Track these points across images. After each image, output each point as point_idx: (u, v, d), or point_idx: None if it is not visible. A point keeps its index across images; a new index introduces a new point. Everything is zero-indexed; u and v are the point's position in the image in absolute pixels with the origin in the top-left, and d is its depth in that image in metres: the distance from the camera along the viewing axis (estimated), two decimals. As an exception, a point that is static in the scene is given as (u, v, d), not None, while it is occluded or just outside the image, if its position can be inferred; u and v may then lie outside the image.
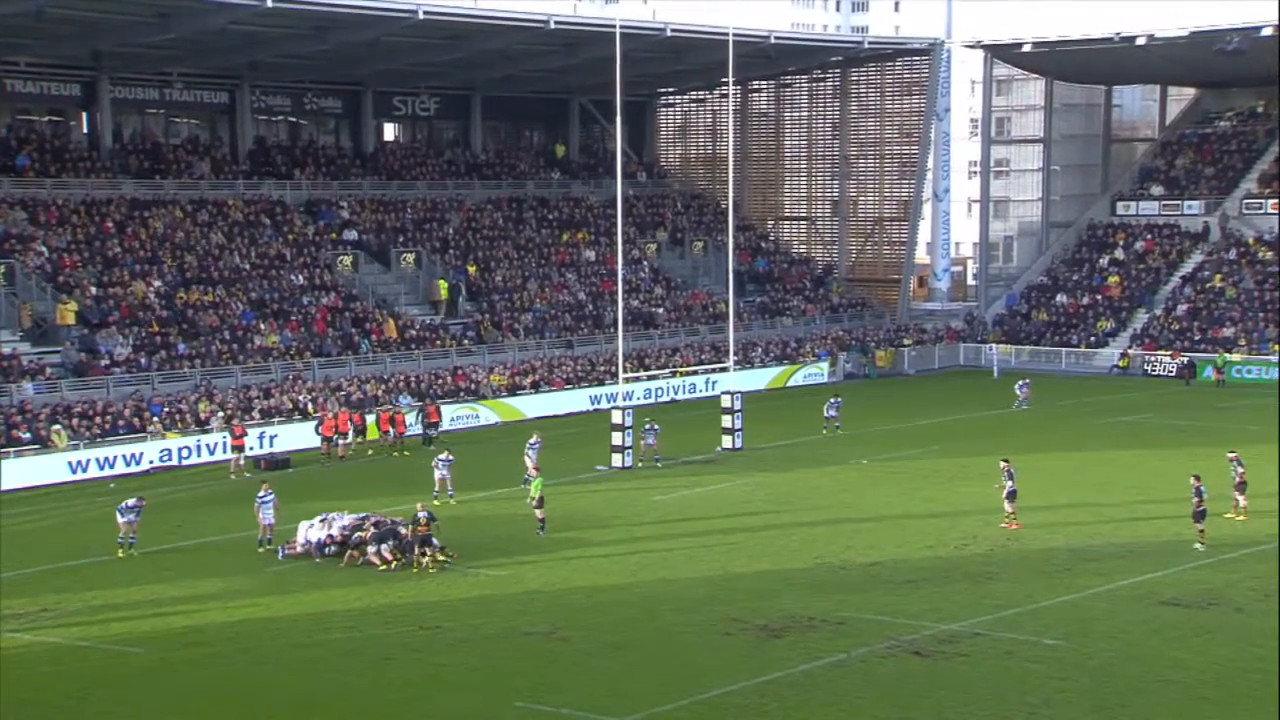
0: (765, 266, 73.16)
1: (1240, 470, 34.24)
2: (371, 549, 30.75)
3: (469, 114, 71.44)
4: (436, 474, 37.24)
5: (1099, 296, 70.81)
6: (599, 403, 53.92)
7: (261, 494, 32.91)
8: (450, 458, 37.50)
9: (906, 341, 68.61)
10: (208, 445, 44.48)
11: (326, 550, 31.45)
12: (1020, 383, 55.79)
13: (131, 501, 32.79)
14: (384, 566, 30.39)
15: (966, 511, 35.46)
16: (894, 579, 29.37)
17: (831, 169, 77.44)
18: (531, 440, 39.88)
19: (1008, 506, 33.76)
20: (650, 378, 56.36)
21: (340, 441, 44.83)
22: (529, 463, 38.82)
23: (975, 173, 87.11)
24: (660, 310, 63.59)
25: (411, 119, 71.63)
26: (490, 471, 39.63)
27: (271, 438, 45.42)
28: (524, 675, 23.65)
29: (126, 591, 29.17)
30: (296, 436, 46.03)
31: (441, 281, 59.59)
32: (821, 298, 71.99)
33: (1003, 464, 34.39)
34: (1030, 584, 28.73)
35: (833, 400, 49.76)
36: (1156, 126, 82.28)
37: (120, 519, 32.39)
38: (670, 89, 79.55)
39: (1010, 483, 33.77)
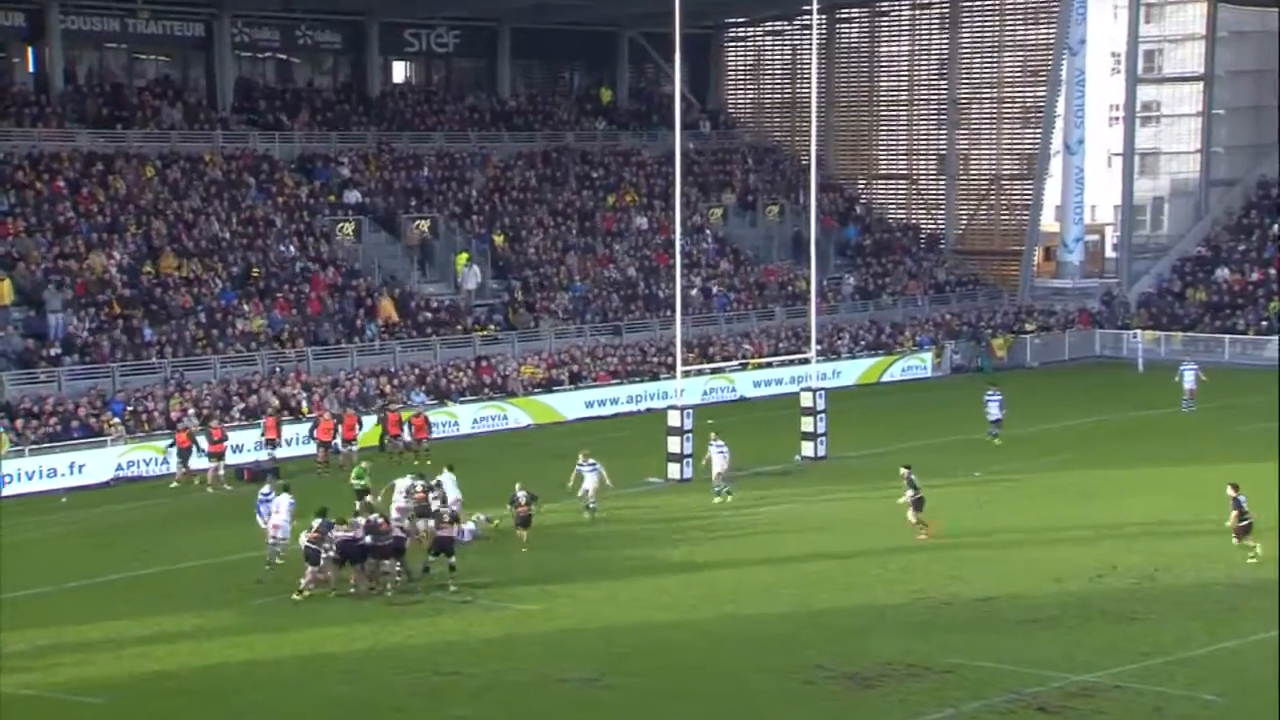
0: (856, 236, 72.89)
1: (1237, 513, 33.53)
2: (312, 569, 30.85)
3: (496, 51, 71.59)
4: (587, 481, 37.96)
5: (1271, 271, 70.08)
6: (651, 401, 53.90)
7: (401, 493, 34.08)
8: (596, 464, 38.02)
9: (1029, 327, 68.20)
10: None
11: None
12: (1187, 369, 54.80)
13: (266, 490, 33.91)
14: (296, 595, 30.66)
15: (1104, 535, 35.26)
16: (1013, 618, 29.25)
17: (938, 116, 77.06)
18: (716, 444, 40.09)
19: (911, 517, 35.16)
20: (715, 371, 56.24)
21: (344, 449, 45.01)
22: (719, 464, 39.58)
23: (1117, 119, 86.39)
24: (695, 291, 62.37)
25: (426, 57, 71.87)
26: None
27: (256, 443, 45.64)
28: (560, 732, 23.76)
29: (80, 630, 29.39)
30: (287, 440, 46.29)
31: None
32: (925, 274, 71.65)
33: (903, 471, 35.92)
34: (1183, 626, 28.54)
35: (992, 394, 48.51)
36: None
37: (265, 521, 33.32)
38: (740, 19, 79.35)
39: (912, 491, 35.27)
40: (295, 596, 30.67)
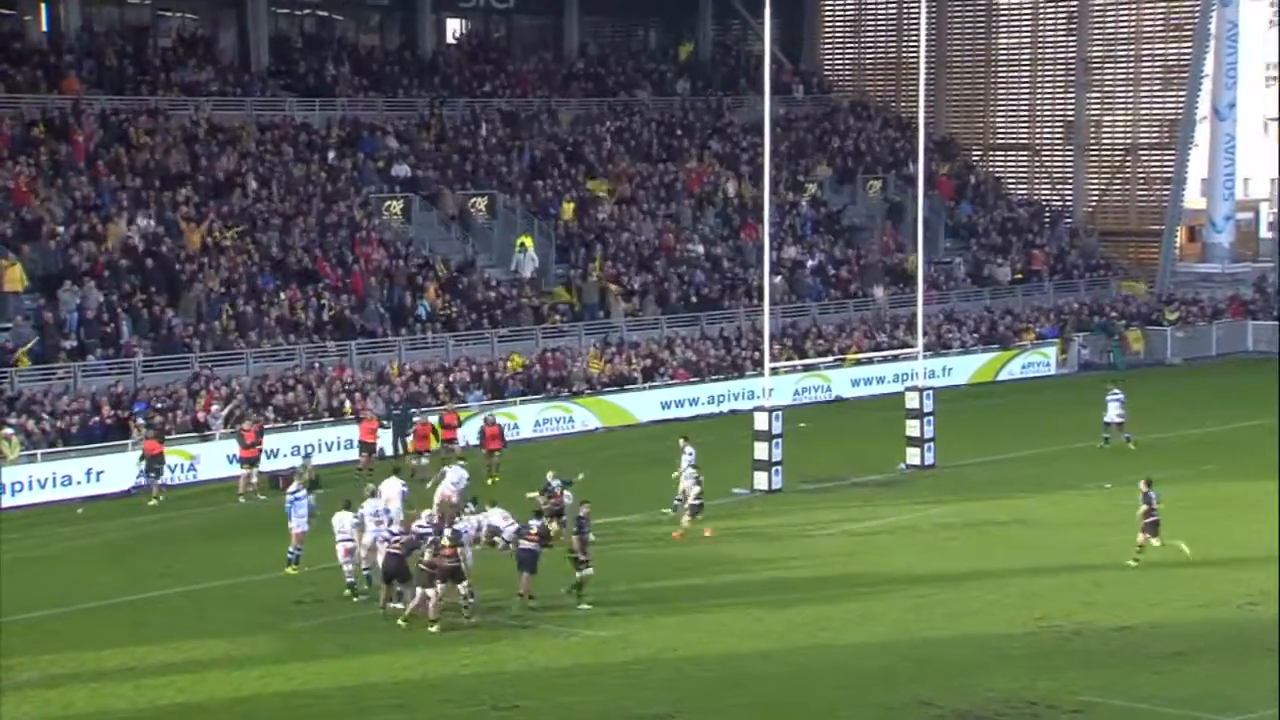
0: (970, 213, 72.53)
1: (1146, 508, 34.97)
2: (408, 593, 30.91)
3: (561, 6, 71.77)
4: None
5: None
6: (735, 401, 53.84)
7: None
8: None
9: (1170, 318, 67.65)
10: (208, 455, 45.15)
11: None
12: None
13: (295, 489, 34.51)
14: (432, 626, 30.48)
15: (1255, 557, 34.96)
16: (1152, 650, 29.07)
17: (1065, 78, 76.56)
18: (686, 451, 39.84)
19: (685, 520, 37.18)
20: (808, 367, 56.07)
21: (415, 461, 44.33)
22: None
23: (1275, 80, 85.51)
24: (778, 279, 60.63)
25: (484, 12, 72.14)
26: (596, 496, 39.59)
27: (295, 446, 45.96)
28: (633, 775, 23.87)
29: (97, 656, 29.61)
30: (327, 444, 46.83)
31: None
32: (1049, 257, 71.17)
33: (691, 465, 38.16)
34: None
35: (1113, 394, 48.42)
36: None
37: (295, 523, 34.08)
38: (839, -33, 79.22)
39: (696, 487, 37.34)
40: (432, 629, 30.38)
